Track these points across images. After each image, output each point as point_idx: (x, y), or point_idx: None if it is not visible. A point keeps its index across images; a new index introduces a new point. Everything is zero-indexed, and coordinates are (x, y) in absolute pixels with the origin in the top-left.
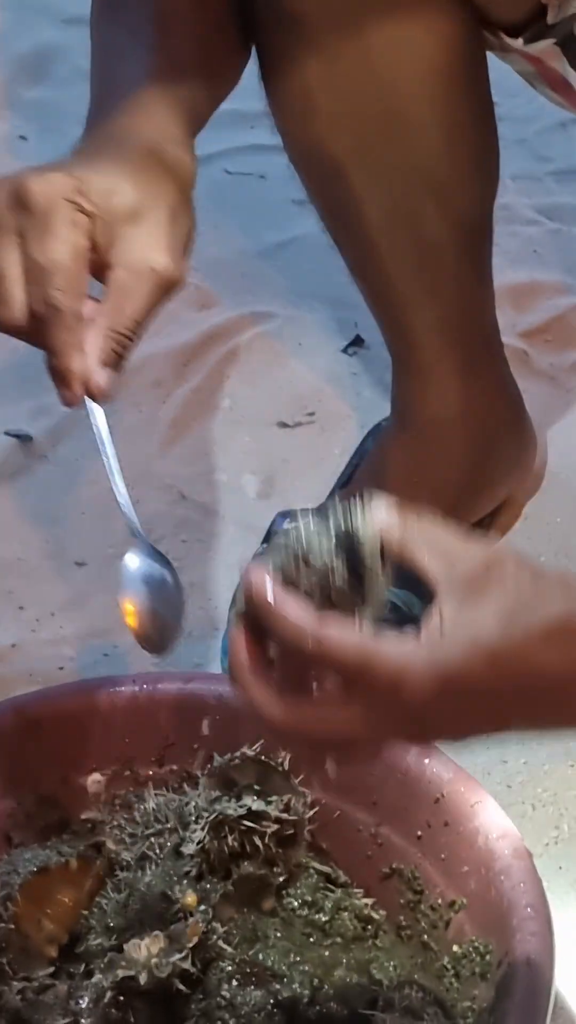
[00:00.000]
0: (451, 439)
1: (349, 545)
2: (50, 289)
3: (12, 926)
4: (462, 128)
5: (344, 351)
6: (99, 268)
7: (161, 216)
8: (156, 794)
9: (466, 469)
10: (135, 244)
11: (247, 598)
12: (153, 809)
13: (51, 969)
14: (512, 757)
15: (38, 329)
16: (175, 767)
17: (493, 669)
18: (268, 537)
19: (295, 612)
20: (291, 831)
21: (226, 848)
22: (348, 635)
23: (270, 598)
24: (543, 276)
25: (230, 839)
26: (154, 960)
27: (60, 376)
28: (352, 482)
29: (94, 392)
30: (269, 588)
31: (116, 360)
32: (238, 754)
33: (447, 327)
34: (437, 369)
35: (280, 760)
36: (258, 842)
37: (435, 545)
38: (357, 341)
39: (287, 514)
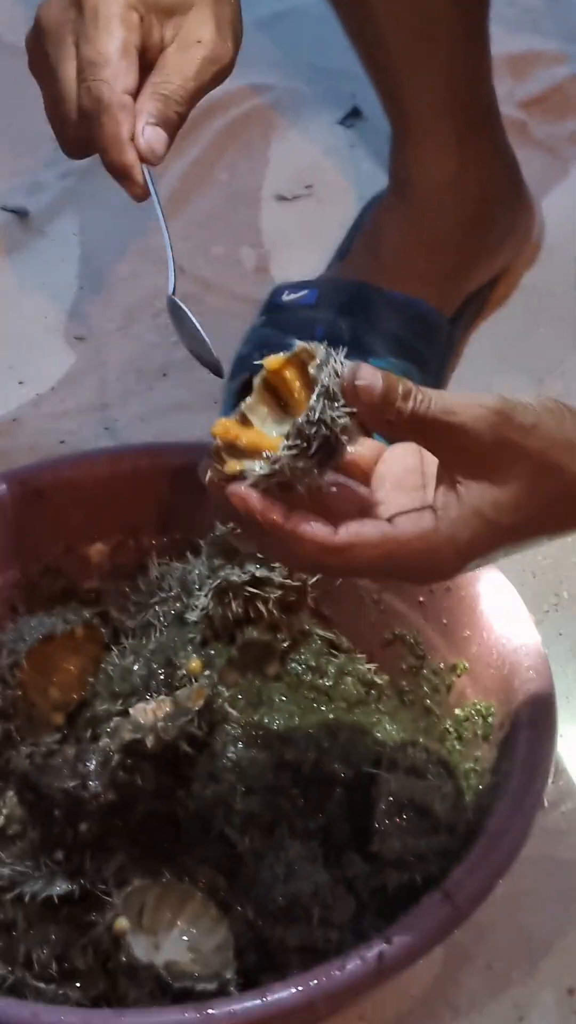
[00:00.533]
0: (448, 205)
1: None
2: (96, 83)
3: (19, 693)
4: None
5: (342, 123)
6: (151, 65)
7: (206, 3)
8: (159, 563)
9: (463, 235)
10: (183, 27)
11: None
12: (157, 577)
13: (58, 736)
14: None
15: (90, 127)
16: (178, 536)
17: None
18: (267, 310)
19: (309, 532)
20: (294, 597)
21: (230, 614)
22: (367, 538)
23: (280, 520)
24: (541, 45)
25: (234, 605)
26: (160, 723)
27: (118, 171)
28: (350, 253)
29: (142, 152)
30: (278, 512)
31: (164, 121)
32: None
33: (445, 94)
34: (434, 135)
35: None
36: (262, 608)
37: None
38: (355, 113)
39: (286, 287)
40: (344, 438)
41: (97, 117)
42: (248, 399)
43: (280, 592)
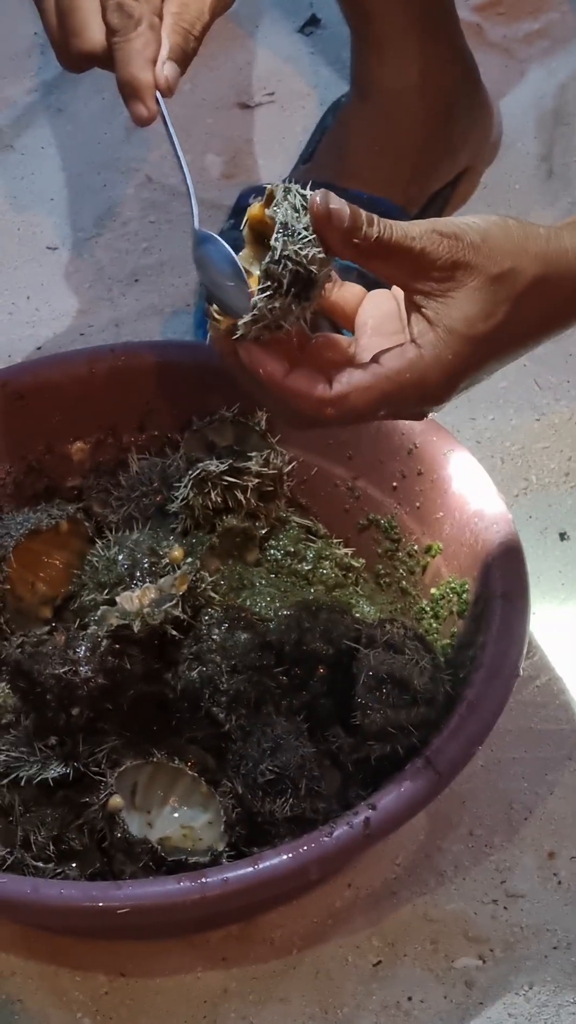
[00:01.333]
0: (410, 106)
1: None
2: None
3: (7, 587)
4: None
5: (300, 31)
6: None
7: None
8: (139, 458)
9: (426, 135)
10: None
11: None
12: (137, 472)
13: (46, 628)
14: (480, 414)
15: (112, 46)
16: (156, 432)
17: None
18: (234, 213)
19: (306, 388)
20: (271, 486)
21: (210, 504)
22: (359, 383)
23: (278, 377)
24: None
25: (213, 495)
26: (146, 609)
27: (133, 88)
28: (314, 157)
29: (161, 86)
30: (276, 367)
31: (181, 57)
32: (216, 416)
33: (405, 1)
34: (395, 40)
35: (257, 420)
36: (240, 497)
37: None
38: (313, 21)
39: (252, 190)
40: (314, 268)
41: (126, 33)
42: (243, 251)
43: (257, 481)
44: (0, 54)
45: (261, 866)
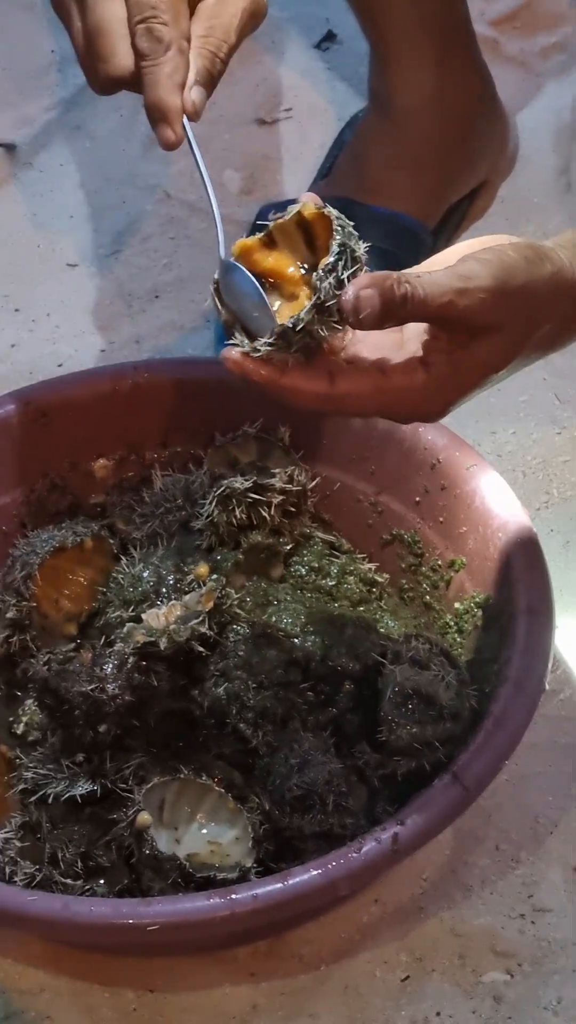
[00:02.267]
0: (428, 121)
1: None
2: (155, 24)
3: (34, 605)
4: None
5: (317, 47)
6: (191, 7)
7: None
8: (163, 475)
9: (443, 150)
10: None
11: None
12: (161, 489)
13: (72, 645)
14: (500, 428)
15: (138, 71)
16: (179, 449)
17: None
18: (253, 229)
19: (306, 387)
20: (295, 502)
21: (234, 520)
22: (361, 391)
23: (276, 378)
24: None
25: (237, 512)
26: (172, 626)
27: (161, 113)
28: (332, 172)
29: (188, 110)
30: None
31: (208, 80)
32: (239, 433)
33: (420, 15)
34: (412, 56)
35: (280, 436)
36: (264, 513)
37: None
38: (329, 36)
39: (272, 206)
40: (325, 343)
41: (155, 57)
42: (281, 221)
43: (281, 498)
44: (19, 72)
45: (290, 882)
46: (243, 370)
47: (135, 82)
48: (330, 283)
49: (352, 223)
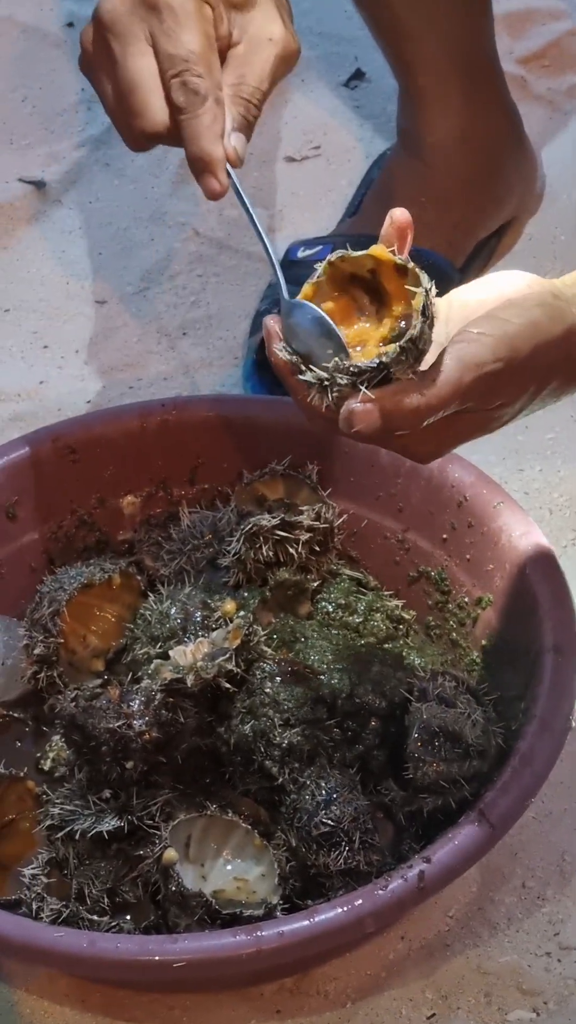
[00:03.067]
0: (456, 160)
1: None
2: (191, 76)
3: (61, 641)
4: None
5: (346, 85)
6: (221, 55)
7: None
8: (190, 512)
9: (471, 188)
10: (251, 23)
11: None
12: (188, 526)
13: (99, 681)
14: (528, 466)
15: (175, 125)
16: (207, 486)
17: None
18: (283, 266)
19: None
20: (322, 539)
21: (261, 557)
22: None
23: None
24: (538, 3)
25: (265, 549)
26: (199, 663)
27: (205, 164)
28: (360, 210)
29: (231, 158)
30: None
31: (245, 126)
32: (267, 470)
33: (449, 54)
34: (440, 94)
35: (308, 473)
36: (291, 550)
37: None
38: (358, 75)
39: (300, 243)
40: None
41: (193, 110)
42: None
43: (308, 535)
44: (48, 110)
45: (316, 919)
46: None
47: (171, 136)
48: (421, 326)
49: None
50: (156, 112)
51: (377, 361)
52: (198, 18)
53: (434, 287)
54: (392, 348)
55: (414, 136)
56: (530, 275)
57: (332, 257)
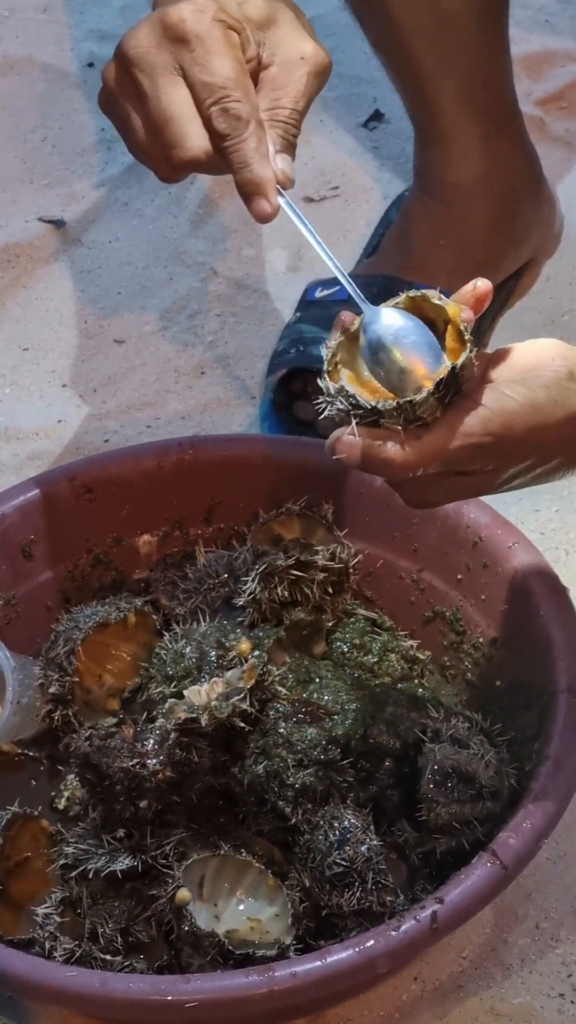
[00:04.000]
0: (475, 201)
1: None
2: (231, 103)
3: (76, 680)
4: None
5: (364, 126)
6: (253, 78)
7: (288, 12)
8: (206, 551)
9: (490, 230)
10: (281, 43)
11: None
12: (204, 565)
13: (114, 720)
14: (544, 506)
15: (220, 152)
16: (223, 525)
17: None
18: (301, 306)
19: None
20: (337, 579)
21: (276, 597)
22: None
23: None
24: (556, 44)
25: (280, 588)
26: (214, 703)
27: (256, 187)
28: (379, 250)
29: (281, 179)
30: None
31: (287, 147)
32: (283, 509)
33: (467, 96)
34: (459, 136)
35: (324, 513)
36: (307, 590)
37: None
38: (376, 116)
39: (318, 283)
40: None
41: (238, 134)
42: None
43: (323, 575)
44: (68, 150)
45: (329, 960)
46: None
47: (211, 163)
48: (427, 396)
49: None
50: (196, 139)
51: (371, 404)
52: (227, 45)
53: (469, 369)
54: (392, 401)
55: (433, 179)
56: (560, 347)
57: (415, 293)
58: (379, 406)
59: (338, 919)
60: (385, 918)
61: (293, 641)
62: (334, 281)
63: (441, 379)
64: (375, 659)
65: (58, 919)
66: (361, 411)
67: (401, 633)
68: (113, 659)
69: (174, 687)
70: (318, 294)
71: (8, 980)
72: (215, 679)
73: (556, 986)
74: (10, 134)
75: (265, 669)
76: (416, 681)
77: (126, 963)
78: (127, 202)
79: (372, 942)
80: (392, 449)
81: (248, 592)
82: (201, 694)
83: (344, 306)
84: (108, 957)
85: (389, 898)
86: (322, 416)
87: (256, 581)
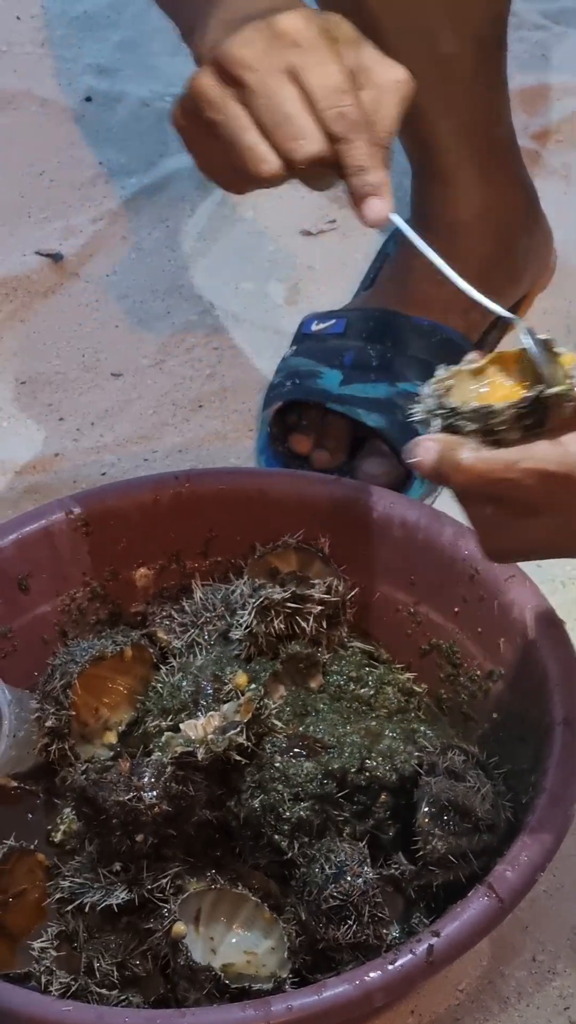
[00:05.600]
0: (474, 239)
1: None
2: (347, 108)
3: (73, 713)
4: None
5: None
6: None
7: (365, 39)
8: (203, 584)
9: (488, 266)
10: (373, 66)
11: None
12: (201, 599)
13: (111, 754)
14: None
15: (338, 154)
16: (220, 558)
17: None
18: (297, 339)
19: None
20: (333, 612)
21: (273, 630)
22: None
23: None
24: (552, 79)
25: (276, 622)
26: (210, 736)
27: (372, 188)
28: (376, 283)
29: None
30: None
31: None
32: (280, 542)
33: (466, 135)
34: (459, 174)
35: (320, 547)
36: (303, 623)
37: None
38: None
39: (315, 317)
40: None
41: (357, 136)
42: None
43: (320, 608)
44: (66, 184)
45: (325, 994)
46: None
47: (326, 161)
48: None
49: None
50: (315, 136)
51: (451, 407)
52: (335, 54)
53: (556, 403)
54: (474, 403)
55: (432, 215)
56: None
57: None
58: (459, 408)
59: (334, 952)
60: (381, 951)
61: (289, 674)
62: (330, 315)
63: (527, 396)
64: (371, 692)
65: (54, 953)
66: (443, 411)
67: (398, 666)
68: (110, 693)
69: (170, 720)
70: (314, 327)
71: (4, 1015)
72: (211, 713)
73: (553, 1019)
74: (8, 168)
75: (261, 703)
76: (413, 714)
77: (122, 997)
78: (125, 236)
79: (368, 975)
80: (466, 454)
81: (244, 625)
82: (197, 728)
83: (339, 339)
84: (104, 991)
85: (385, 931)
86: (414, 418)
87: (252, 614)
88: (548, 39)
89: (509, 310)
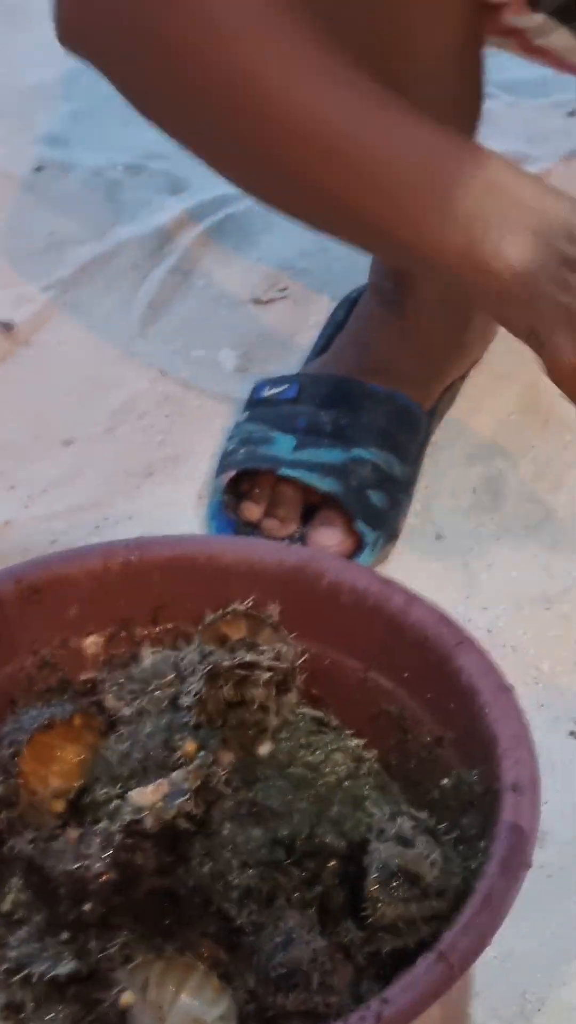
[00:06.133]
0: (435, 319)
1: None
2: None
3: (21, 782)
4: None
5: None
6: None
7: None
8: (153, 651)
9: (446, 342)
10: None
11: None
12: (150, 666)
13: (59, 822)
14: (491, 604)
15: None
16: (170, 625)
17: None
18: (249, 405)
19: None
20: (283, 679)
21: (222, 697)
22: None
23: None
24: (504, 147)
25: (226, 688)
26: (159, 804)
27: None
28: (331, 350)
29: None
30: None
31: None
32: (229, 610)
33: None
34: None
35: (270, 614)
36: (253, 690)
37: None
38: None
39: (267, 382)
40: None
41: None
42: None
43: (269, 674)
44: (17, 252)
45: None
46: None
47: None
48: None
49: None
50: None
51: None
52: None
53: None
54: None
55: (391, 297)
56: None
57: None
58: None
59: (284, 1020)
60: (331, 1019)
61: (239, 741)
62: (283, 379)
63: None
64: (321, 758)
65: None
66: None
67: (347, 732)
68: (58, 761)
69: (120, 788)
70: (267, 392)
71: None
72: (160, 780)
73: None
74: None
75: (211, 770)
76: (362, 780)
77: None
78: (77, 305)
79: None
80: None
81: (194, 692)
82: (146, 795)
83: (292, 404)
84: None
85: (334, 999)
86: None
87: (202, 681)
88: (499, 107)
89: (459, 378)
